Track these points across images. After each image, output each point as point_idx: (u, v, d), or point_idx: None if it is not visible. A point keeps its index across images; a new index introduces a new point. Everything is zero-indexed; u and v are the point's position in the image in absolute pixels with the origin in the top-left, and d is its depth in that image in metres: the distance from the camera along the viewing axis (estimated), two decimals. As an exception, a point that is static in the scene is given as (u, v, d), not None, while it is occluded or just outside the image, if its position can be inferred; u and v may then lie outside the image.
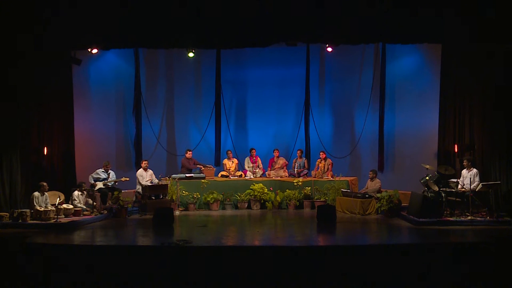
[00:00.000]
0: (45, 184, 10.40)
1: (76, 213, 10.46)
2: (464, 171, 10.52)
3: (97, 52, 12.65)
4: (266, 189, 12.26)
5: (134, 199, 12.08)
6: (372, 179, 11.94)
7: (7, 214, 9.95)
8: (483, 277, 7.09)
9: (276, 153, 13.55)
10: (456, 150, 11.57)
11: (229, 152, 13.72)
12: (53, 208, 9.98)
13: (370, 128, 14.07)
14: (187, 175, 12.59)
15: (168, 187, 11.92)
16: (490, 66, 10.80)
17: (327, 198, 12.15)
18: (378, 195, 11.32)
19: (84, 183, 11.26)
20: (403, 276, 7.08)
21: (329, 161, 13.21)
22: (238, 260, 7.37)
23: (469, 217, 9.75)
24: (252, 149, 13.69)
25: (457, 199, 10.19)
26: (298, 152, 13.57)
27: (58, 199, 10.30)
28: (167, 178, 12.38)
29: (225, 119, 14.39)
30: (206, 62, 14.53)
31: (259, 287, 6.98)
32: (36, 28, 11.02)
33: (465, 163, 10.49)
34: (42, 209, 9.93)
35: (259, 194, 12.18)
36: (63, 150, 12.16)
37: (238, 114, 15.13)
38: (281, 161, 13.55)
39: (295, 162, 13.32)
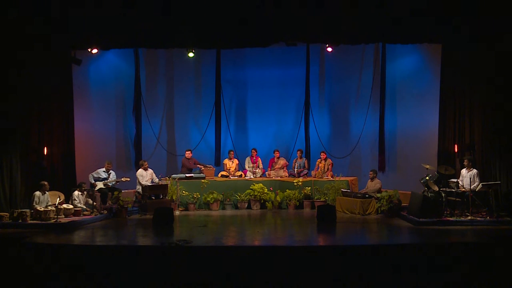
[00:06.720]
0: (46, 183, 10.43)
1: (76, 213, 10.46)
2: (464, 171, 10.50)
3: (97, 52, 12.65)
4: (266, 189, 12.26)
5: (134, 199, 12.08)
6: (372, 179, 11.94)
7: (7, 214, 9.95)
8: (483, 277, 7.08)
9: (276, 154, 13.53)
10: (456, 150, 11.56)
11: (231, 152, 13.73)
12: (53, 208, 9.98)
13: (370, 128, 14.07)
14: (187, 175, 12.60)
15: (168, 187, 11.93)
16: (490, 66, 10.79)
17: (327, 198, 12.15)
18: (378, 195, 11.32)
19: (84, 183, 11.26)
20: (403, 276, 7.08)
21: (329, 161, 13.21)
22: (238, 260, 7.37)
23: (469, 217, 9.75)
24: (253, 149, 13.69)
25: (457, 199, 10.18)
26: (298, 152, 13.56)
27: (58, 199, 10.30)
28: (167, 178, 12.39)
29: (225, 119, 14.38)
30: (206, 62, 14.52)
31: (259, 287, 6.99)
32: (36, 28, 11.02)
33: (466, 162, 10.47)
34: (42, 209, 9.93)
35: (259, 194, 12.18)
36: (63, 150, 12.14)
37: (238, 114, 15.12)
38: (282, 161, 13.54)
39: (295, 162, 13.31)
